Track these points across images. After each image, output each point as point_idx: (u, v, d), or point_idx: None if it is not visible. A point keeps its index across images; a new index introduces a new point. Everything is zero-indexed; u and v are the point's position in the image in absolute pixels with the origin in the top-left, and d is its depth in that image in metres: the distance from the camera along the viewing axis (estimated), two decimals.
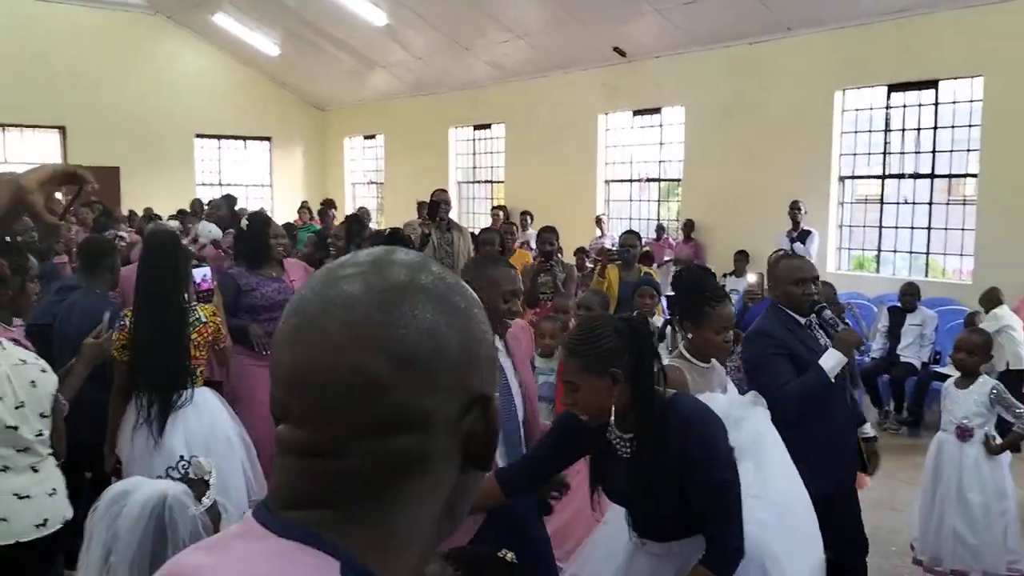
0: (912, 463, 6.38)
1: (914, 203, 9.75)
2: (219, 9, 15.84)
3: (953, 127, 9.24)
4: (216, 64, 17.66)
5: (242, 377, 4.50)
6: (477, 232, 7.73)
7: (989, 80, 8.64)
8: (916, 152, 9.64)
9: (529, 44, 12.95)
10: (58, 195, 1.39)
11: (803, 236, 9.19)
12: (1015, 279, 7.80)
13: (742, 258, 10.13)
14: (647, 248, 9.31)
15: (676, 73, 11.69)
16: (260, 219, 5.04)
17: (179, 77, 17.06)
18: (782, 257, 3.97)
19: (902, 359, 7.55)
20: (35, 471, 2.86)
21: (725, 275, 10.35)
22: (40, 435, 2.86)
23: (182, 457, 2.28)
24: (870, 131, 9.96)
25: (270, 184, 19.02)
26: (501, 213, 12.51)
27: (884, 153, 9.87)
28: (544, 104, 13.66)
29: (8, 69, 14.73)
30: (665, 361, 5.03)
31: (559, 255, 7.19)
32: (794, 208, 9.32)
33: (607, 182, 13.34)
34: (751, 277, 5.38)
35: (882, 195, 10.01)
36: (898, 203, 9.90)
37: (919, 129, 9.53)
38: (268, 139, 18.85)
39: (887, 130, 9.80)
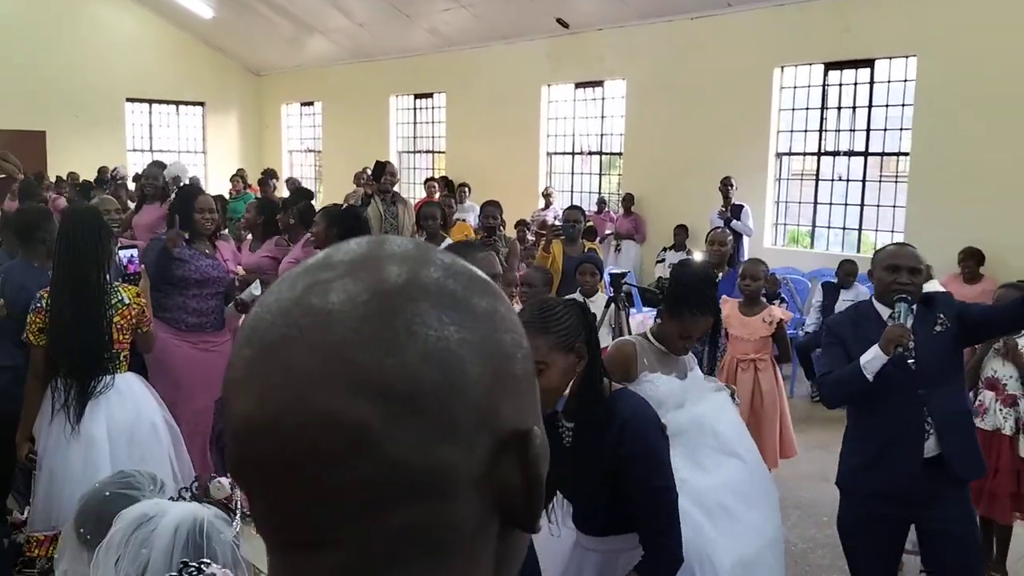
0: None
1: (848, 180, 9.97)
2: None
3: (887, 106, 9.45)
4: (147, 25, 17.04)
5: (165, 355, 4.42)
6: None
7: (922, 60, 8.85)
8: (851, 130, 9.84)
9: (472, 13, 12.80)
10: None
11: (736, 211, 9.32)
12: (943, 256, 8.04)
13: (681, 232, 10.26)
14: (590, 223, 9.34)
15: (618, 46, 11.70)
16: (188, 192, 4.89)
17: (108, 39, 16.42)
18: (890, 244, 3.88)
19: None
20: None
21: (664, 249, 10.49)
22: None
23: (197, 477, 2.15)
24: (807, 108, 10.12)
25: (203, 151, 18.53)
26: (436, 186, 12.41)
27: (820, 130, 10.06)
28: (486, 74, 13.55)
29: None
30: (609, 339, 5.08)
31: (502, 229, 7.17)
32: (725, 184, 9.43)
33: (549, 154, 13.33)
34: (697, 256, 5.45)
35: (817, 172, 10.21)
36: (832, 180, 10.12)
37: (854, 107, 9.72)
38: (201, 104, 18.33)
39: (823, 108, 9.98)
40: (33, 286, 3.61)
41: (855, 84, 9.65)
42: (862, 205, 9.83)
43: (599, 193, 12.64)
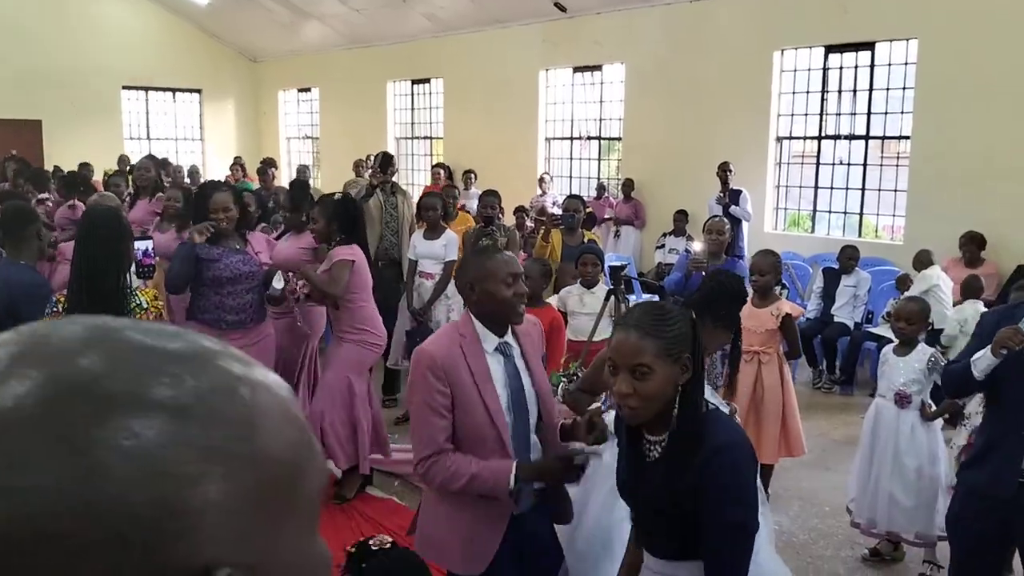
0: (844, 421, 6.58)
1: (849, 164, 9.91)
2: None
3: (888, 89, 9.38)
4: (142, 13, 16.91)
5: None
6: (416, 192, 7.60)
7: (923, 43, 8.77)
8: (852, 113, 9.77)
9: None
10: None
11: (734, 197, 9.26)
12: (944, 239, 8.01)
13: (682, 217, 10.21)
14: (589, 209, 9.30)
15: (616, 30, 11.60)
16: (202, 193, 4.72)
17: (103, 26, 16.31)
18: None
19: (836, 319, 7.71)
20: None
21: (665, 235, 10.44)
22: None
23: None
24: (807, 92, 10.05)
25: (201, 138, 18.45)
26: (443, 172, 12.34)
27: (821, 114, 9.99)
28: (483, 59, 13.46)
29: None
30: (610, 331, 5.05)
31: (500, 217, 7.12)
32: (723, 169, 9.36)
33: (548, 139, 13.26)
34: (697, 245, 5.38)
35: (818, 155, 10.15)
36: (833, 164, 10.06)
37: (855, 91, 9.65)
38: (198, 91, 18.23)
39: (824, 91, 9.91)
40: (15, 284, 3.54)
41: (855, 67, 9.57)
42: (863, 189, 9.77)
43: (598, 178, 12.58)
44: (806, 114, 10.14)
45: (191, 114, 18.41)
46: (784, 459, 4.95)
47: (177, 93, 18.07)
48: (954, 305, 6.90)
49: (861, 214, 9.88)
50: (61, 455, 0.42)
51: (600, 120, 12.56)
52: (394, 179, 6.96)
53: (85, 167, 11.17)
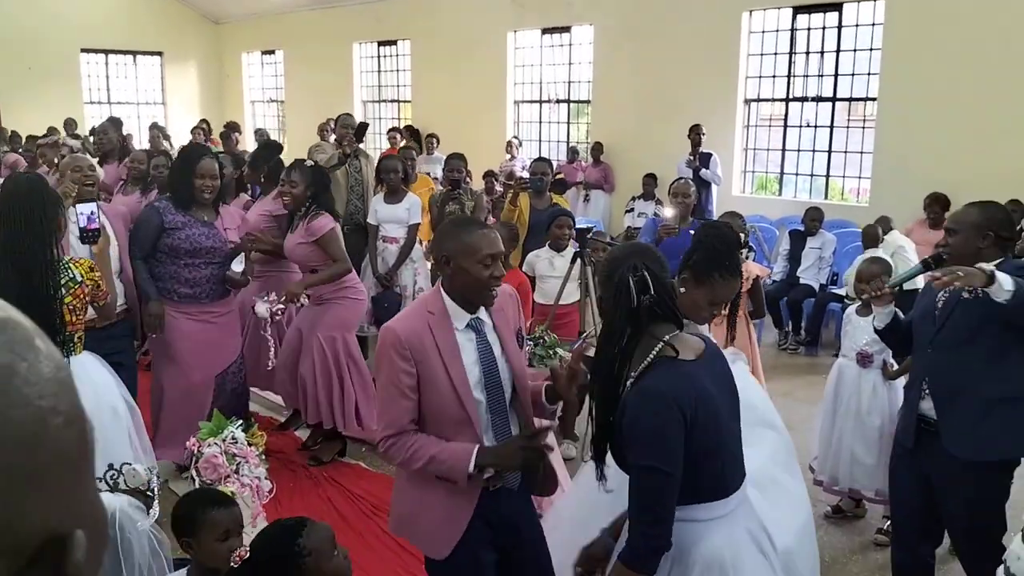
0: (809, 381, 6.65)
1: (816, 126, 9.93)
2: None
3: (855, 51, 9.39)
4: None
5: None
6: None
7: (890, 3, 8.76)
8: (819, 75, 9.77)
9: None
10: None
11: (704, 160, 9.26)
12: (909, 201, 8.07)
13: (651, 181, 10.19)
14: (560, 174, 9.25)
15: None
16: (188, 155, 4.49)
17: None
18: None
19: (801, 281, 7.78)
20: None
21: (634, 198, 10.42)
22: None
23: (111, 466, 2.01)
24: (775, 54, 10.03)
25: (163, 102, 18.09)
26: (399, 136, 12.18)
27: (788, 76, 9.98)
28: (451, 21, 13.27)
29: None
30: (578, 294, 5.04)
31: (468, 181, 7.06)
32: (695, 132, 9.35)
33: (516, 103, 13.15)
34: (668, 211, 5.36)
35: (786, 118, 10.16)
36: (800, 126, 10.08)
37: (822, 52, 9.65)
38: (159, 54, 17.84)
39: (792, 53, 9.89)
40: None
41: (823, 28, 9.56)
42: (830, 151, 9.81)
43: (567, 142, 12.51)
44: (774, 76, 10.12)
45: (152, 77, 18.04)
46: None
47: (138, 56, 17.68)
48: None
49: (828, 176, 9.92)
50: None
51: (569, 83, 12.47)
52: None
53: (53, 131, 10.94)
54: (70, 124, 12.94)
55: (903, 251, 6.98)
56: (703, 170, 9.13)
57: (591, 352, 2.53)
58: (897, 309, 3.27)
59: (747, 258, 5.06)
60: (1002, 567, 2.88)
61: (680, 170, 8.92)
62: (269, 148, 6.36)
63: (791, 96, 10.03)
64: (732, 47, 10.11)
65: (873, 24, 9.09)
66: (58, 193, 3.68)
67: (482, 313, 2.58)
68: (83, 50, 16.70)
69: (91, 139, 9.17)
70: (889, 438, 4.10)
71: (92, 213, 3.86)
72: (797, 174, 10.24)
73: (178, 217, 4.27)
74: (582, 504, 2.83)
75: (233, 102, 18.49)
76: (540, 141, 12.90)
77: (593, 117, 12.09)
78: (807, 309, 7.71)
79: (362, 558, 3.61)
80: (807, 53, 9.80)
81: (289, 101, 17.25)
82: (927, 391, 3.10)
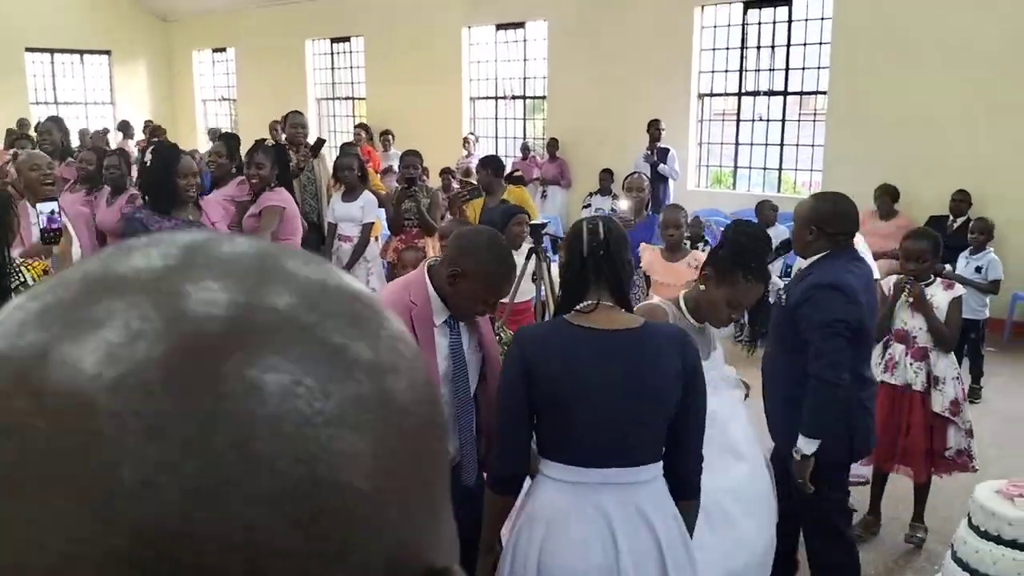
0: (759, 377, 6.71)
1: (768, 120, 10.04)
2: None
3: (805, 45, 9.51)
4: None
5: None
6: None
7: None
8: (770, 69, 9.88)
9: None
10: None
11: (662, 155, 9.32)
12: (860, 192, 8.14)
13: (607, 177, 10.21)
14: (517, 171, 9.23)
15: None
16: (165, 155, 4.24)
17: None
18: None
19: None
20: None
21: (591, 194, 10.44)
22: None
23: None
24: (727, 48, 10.12)
25: (112, 102, 17.74)
26: (364, 133, 12.09)
27: (741, 71, 10.07)
28: (405, 17, 13.18)
29: None
30: (533, 290, 5.01)
31: (424, 178, 7.01)
32: (655, 127, 9.41)
33: (472, 99, 13.11)
34: (623, 204, 5.38)
35: (738, 112, 10.26)
36: (753, 120, 10.18)
37: (773, 46, 9.75)
38: (107, 53, 17.48)
39: (743, 47, 9.98)
40: None
41: (774, 23, 9.66)
42: (782, 145, 9.92)
43: (524, 138, 12.51)
44: (726, 71, 10.22)
45: (100, 76, 17.68)
46: None
47: (85, 55, 17.31)
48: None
49: (780, 169, 10.04)
50: None
51: (524, 79, 12.46)
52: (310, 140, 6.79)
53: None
54: (23, 124, 12.62)
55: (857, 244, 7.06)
56: (661, 165, 9.18)
57: None
58: None
59: (703, 251, 5.11)
60: (949, 551, 2.93)
61: (638, 165, 8.96)
62: (233, 139, 6.36)
63: (743, 91, 10.13)
64: (685, 42, 10.17)
65: (822, 18, 9.21)
66: (8, 193, 3.56)
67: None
68: (28, 49, 16.31)
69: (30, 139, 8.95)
70: None
71: (53, 212, 3.68)
72: (751, 168, 10.35)
73: (164, 223, 4.00)
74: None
75: (184, 101, 18.19)
76: (496, 137, 12.87)
77: (549, 113, 12.09)
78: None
79: None
80: (758, 48, 9.90)
81: (241, 99, 17.01)
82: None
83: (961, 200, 7.52)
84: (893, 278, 4.16)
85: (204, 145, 12.07)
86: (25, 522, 0.30)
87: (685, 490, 2.27)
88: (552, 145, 11.42)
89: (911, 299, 3.99)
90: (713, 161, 10.69)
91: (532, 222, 4.99)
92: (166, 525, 0.30)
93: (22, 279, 3.30)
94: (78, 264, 0.37)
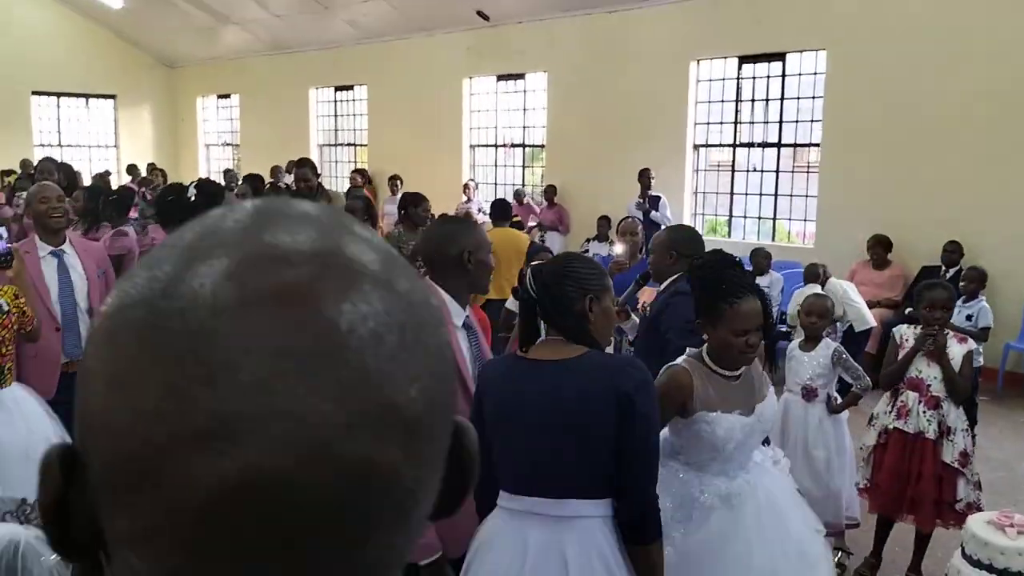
0: None
1: (762, 171, 10.23)
2: None
3: (798, 98, 9.73)
4: (53, 16, 16.38)
5: None
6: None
7: (831, 53, 9.12)
8: (764, 122, 10.09)
9: (391, 4, 12.69)
10: None
11: (653, 202, 9.49)
12: (853, 243, 8.35)
13: (604, 223, 10.38)
14: (517, 216, 9.39)
15: (538, 39, 11.75)
16: (209, 191, 4.21)
17: (12, 29, 15.73)
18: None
19: None
20: None
21: (588, 240, 10.60)
22: None
23: (24, 500, 1.98)
24: (722, 101, 10.34)
25: (116, 145, 17.96)
26: (359, 177, 12.26)
27: (735, 123, 10.28)
28: (407, 66, 13.45)
29: None
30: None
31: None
32: (644, 175, 9.60)
33: (472, 146, 13.33)
34: (618, 247, 5.50)
35: (733, 163, 10.45)
36: (748, 171, 10.37)
37: (767, 100, 9.98)
38: (112, 97, 17.75)
39: (738, 100, 10.21)
40: None
41: (768, 77, 9.89)
42: (776, 195, 10.09)
43: (523, 185, 12.69)
44: (721, 122, 10.43)
45: (105, 121, 17.92)
46: None
47: (90, 99, 17.57)
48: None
49: (775, 219, 10.20)
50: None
51: (524, 128, 12.68)
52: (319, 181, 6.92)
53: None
54: (26, 165, 12.78)
55: (848, 295, 7.15)
56: (652, 212, 9.34)
57: None
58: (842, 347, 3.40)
59: None
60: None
61: (630, 211, 9.11)
62: (257, 179, 6.45)
63: (738, 142, 10.33)
64: (681, 94, 10.40)
65: (815, 73, 9.44)
66: None
67: (469, 312, 2.72)
68: (34, 92, 16.57)
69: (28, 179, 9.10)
70: (838, 470, 4.22)
71: (1, 235, 3.69)
72: (745, 217, 10.51)
73: None
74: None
75: (188, 146, 18.43)
76: (496, 184, 13.06)
77: (547, 161, 12.29)
78: None
79: None
80: (752, 101, 10.12)
81: (245, 145, 17.25)
82: None
83: (953, 251, 7.65)
84: (904, 327, 4.18)
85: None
86: None
87: (633, 533, 2.16)
88: (550, 192, 11.59)
89: (933, 348, 3.96)
90: (708, 210, 10.85)
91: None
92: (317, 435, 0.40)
93: None
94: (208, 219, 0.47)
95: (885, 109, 8.61)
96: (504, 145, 13.02)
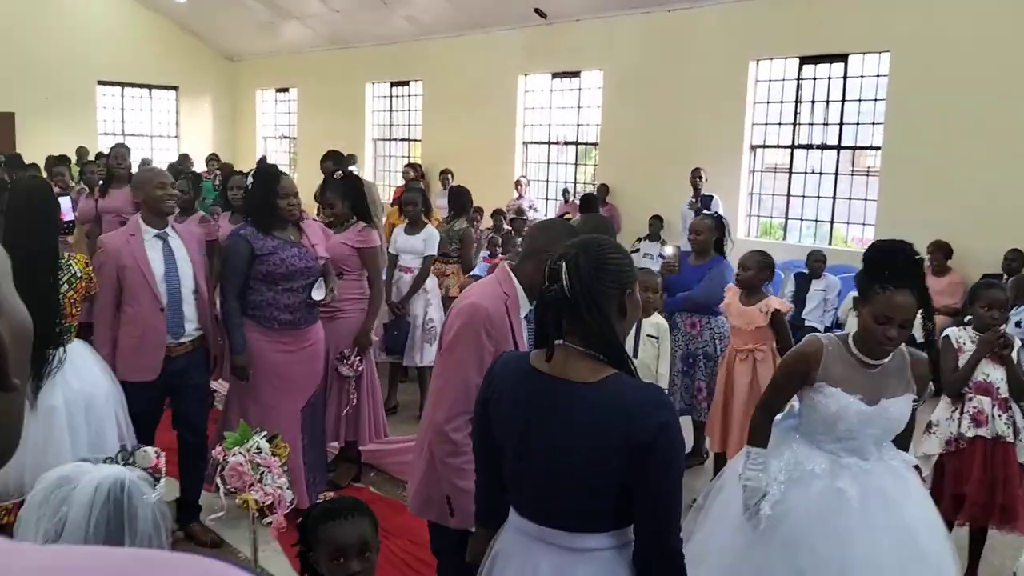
0: None
1: (820, 173, 10.10)
2: None
3: (860, 100, 9.59)
4: (120, 8, 16.85)
5: (252, 349, 4.13)
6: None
7: (895, 56, 8.98)
8: (824, 124, 9.96)
9: (449, 1, 12.79)
10: None
11: (705, 202, 9.41)
12: None
13: (657, 223, 10.35)
14: (567, 214, 9.41)
15: (595, 37, 11.74)
16: (267, 174, 4.26)
17: (80, 20, 16.21)
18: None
19: (807, 323, 7.86)
20: None
21: (640, 239, 10.57)
22: None
23: (124, 447, 2.08)
24: (781, 102, 10.23)
25: (176, 135, 18.37)
26: (412, 172, 12.36)
27: (794, 124, 10.17)
28: (463, 63, 13.55)
29: None
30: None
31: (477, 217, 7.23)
32: (695, 176, 9.53)
33: (525, 144, 13.37)
34: (668, 249, 5.49)
35: (791, 164, 10.34)
36: (805, 173, 10.25)
37: (828, 101, 9.85)
38: (175, 88, 18.16)
39: (797, 101, 10.09)
40: None
41: (828, 78, 9.77)
42: (834, 198, 9.96)
43: (575, 183, 12.69)
44: (779, 123, 10.32)
45: (167, 111, 18.34)
46: None
47: (153, 90, 18.00)
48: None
49: (832, 223, 10.07)
50: None
51: (577, 125, 12.68)
52: (369, 176, 7.04)
53: (62, 159, 11.14)
54: (82, 152, 13.14)
55: None
56: (704, 212, 9.26)
57: None
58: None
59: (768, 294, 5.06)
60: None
61: (683, 212, 9.08)
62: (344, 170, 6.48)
63: (796, 143, 10.22)
64: (739, 95, 10.32)
65: (878, 75, 9.29)
66: (48, 184, 3.87)
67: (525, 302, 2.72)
68: (100, 82, 17.02)
69: (97, 164, 9.33)
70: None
71: (66, 206, 3.99)
72: (802, 219, 10.39)
73: (267, 241, 4.07)
74: None
75: (246, 137, 18.78)
76: (548, 181, 13.09)
77: (600, 159, 12.28)
78: None
79: None
80: (812, 102, 10.00)
81: (301, 137, 17.52)
82: None
83: (1013, 259, 7.50)
84: (956, 330, 4.06)
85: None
86: None
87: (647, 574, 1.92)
88: (602, 190, 11.58)
89: (1005, 350, 3.85)
90: (764, 212, 10.75)
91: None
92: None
93: (72, 271, 3.57)
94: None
95: (948, 112, 8.45)
96: (557, 142, 13.03)
